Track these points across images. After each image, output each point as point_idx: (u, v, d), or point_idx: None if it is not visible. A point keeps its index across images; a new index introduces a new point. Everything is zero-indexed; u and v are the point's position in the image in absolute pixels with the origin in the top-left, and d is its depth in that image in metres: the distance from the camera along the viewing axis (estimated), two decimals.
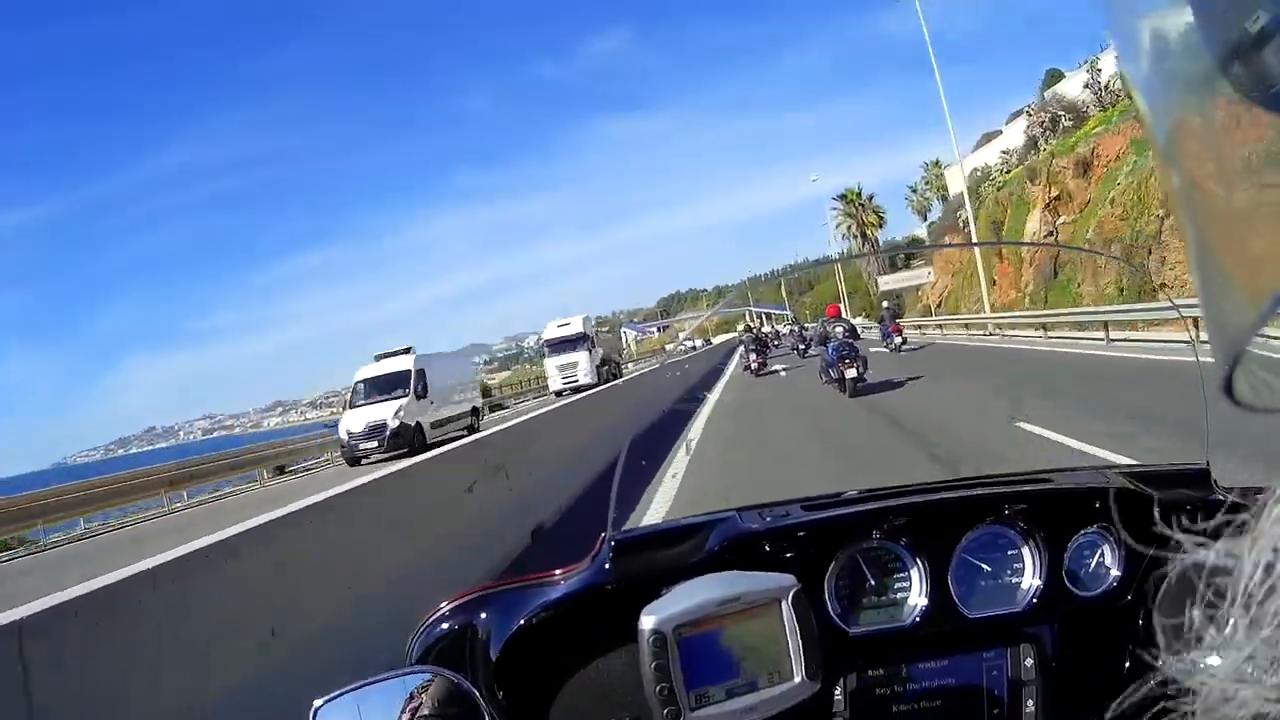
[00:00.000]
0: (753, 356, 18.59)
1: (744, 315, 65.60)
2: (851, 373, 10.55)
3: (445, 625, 0.86)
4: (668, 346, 60.15)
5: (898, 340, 17.26)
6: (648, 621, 0.74)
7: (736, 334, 30.24)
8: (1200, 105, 0.30)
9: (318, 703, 0.70)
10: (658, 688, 0.73)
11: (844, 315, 13.35)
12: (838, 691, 0.86)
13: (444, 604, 0.88)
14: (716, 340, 43.28)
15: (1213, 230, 0.31)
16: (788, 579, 0.78)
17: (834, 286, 56.56)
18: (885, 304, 19.70)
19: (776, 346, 27.69)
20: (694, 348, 24.06)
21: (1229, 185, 0.30)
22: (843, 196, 46.44)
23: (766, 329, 40.93)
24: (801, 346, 22.81)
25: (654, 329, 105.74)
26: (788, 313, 58.22)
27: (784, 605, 0.76)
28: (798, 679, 0.76)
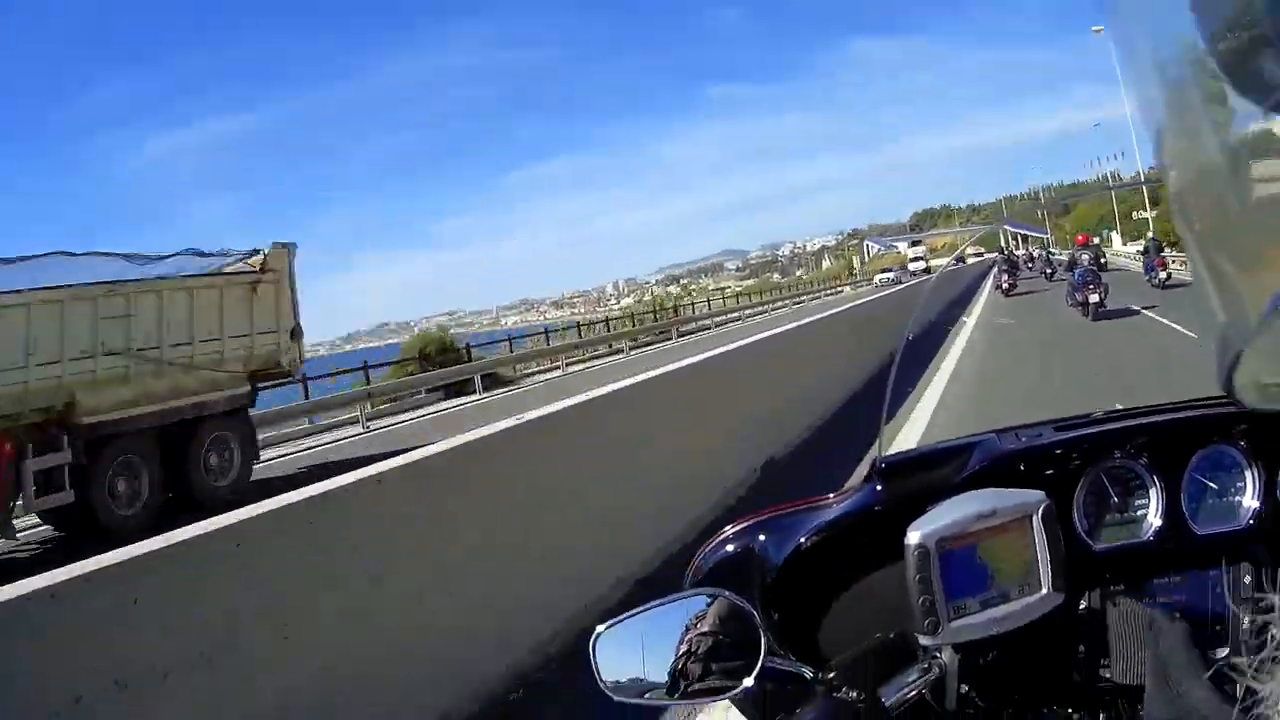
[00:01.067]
0: (1005, 277, 20.15)
1: (999, 235, 61.24)
2: (1094, 298, 12.11)
3: (727, 549, 0.91)
4: (878, 277, 52.99)
5: (1162, 275, 15.90)
6: (913, 536, 0.77)
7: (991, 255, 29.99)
8: (1200, 108, 0.30)
9: (600, 628, 0.74)
10: (920, 599, 0.76)
11: (1095, 243, 15.03)
12: (1083, 604, 0.88)
13: (727, 528, 0.92)
14: (971, 261, 41.97)
15: (1212, 232, 0.31)
16: (1038, 495, 0.81)
17: (1096, 209, 51.32)
18: (1151, 234, 18.03)
19: (1030, 268, 28.41)
20: (925, 269, 24.27)
21: (1228, 187, 0.30)
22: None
23: (1020, 251, 40.77)
24: (1049, 271, 23.38)
25: (899, 245, 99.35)
26: (1046, 235, 55.03)
27: (1034, 520, 0.79)
28: (1044, 590, 0.78)
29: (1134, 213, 45.65)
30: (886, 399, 1.04)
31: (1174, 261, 16.45)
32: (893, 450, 0.96)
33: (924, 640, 0.78)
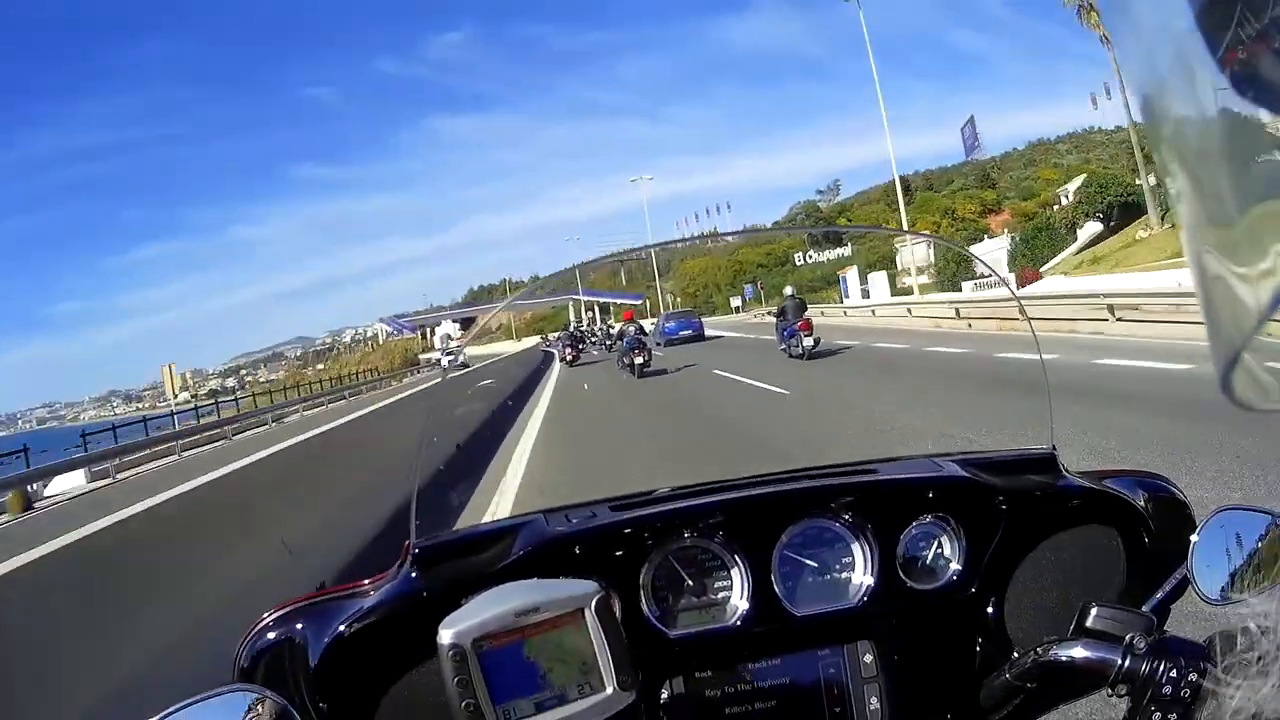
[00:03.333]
0: (568, 351, 23.29)
1: (569, 306, 61.43)
2: (640, 359, 15.67)
3: (269, 637, 0.83)
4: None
5: (807, 342, 13.54)
6: (445, 635, 0.70)
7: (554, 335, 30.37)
8: (1200, 108, 0.30)
9: None
10: (463, 704, 0.69)
11: (637, 321, 18.26)
12: (665, 694, 0.83)
13: (266, 615, 0.85)
14: (523, 344, 39.91)
15: (1211, 232, 0.31)
16: (590, 585, 0.74)
17: (702, 264, 57.93)
18: (790, 292, 15.04)
19: (594, 341, 31.27)
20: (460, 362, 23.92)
21: (1228, 187, 0.30)
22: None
23: (598, 326, 42.63)
24: (608, 343, 27.03)
25: (409, 328, 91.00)
26: (636, 301, 52.87)
27: (587, 614, 0.73)
28: (609, 690, 0.72)
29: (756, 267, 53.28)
30: (415, 475, 0.94)
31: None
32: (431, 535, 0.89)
33: None
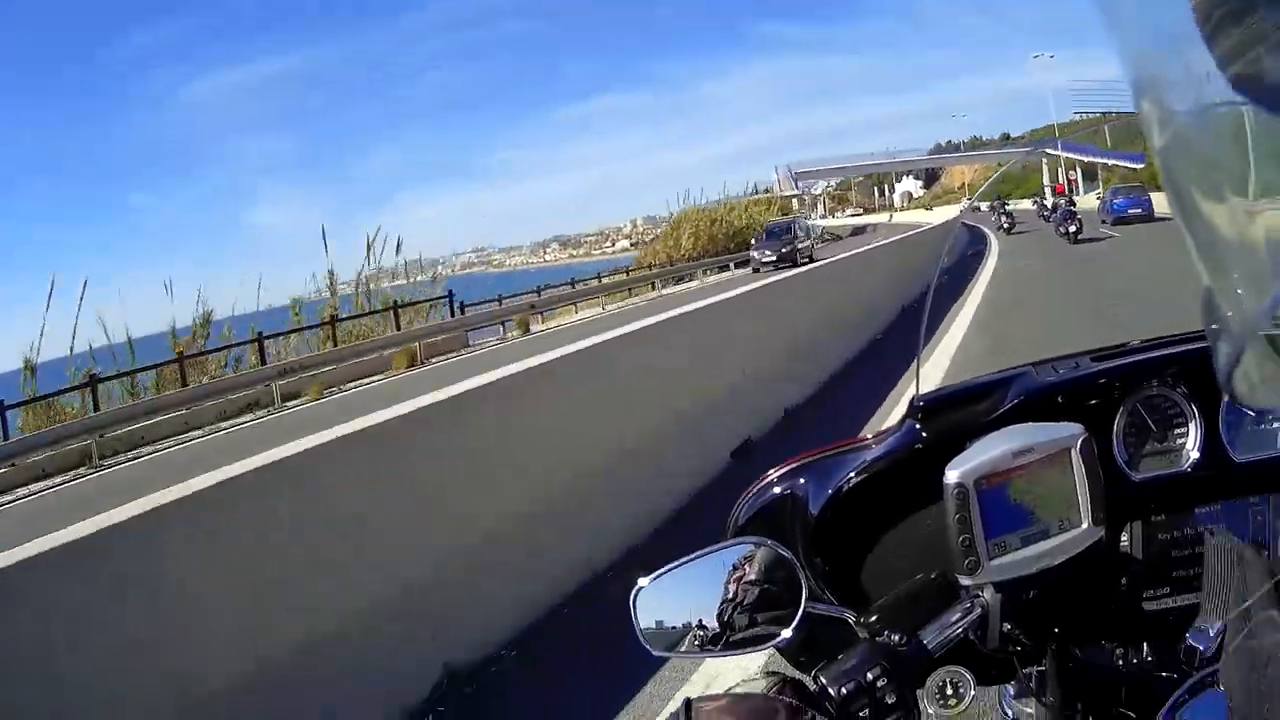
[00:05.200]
0: (1004, 219, 25.70)
1: (1043, 167, 52.56)
2: (1073, 227, 19.09)
3: (768, 495, 0.90)
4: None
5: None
6: (951, 476, 0.76)
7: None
8: (1200, 107, 0.30)
9: (642, 581, 0.73)
10: (960, 539, 0.75)
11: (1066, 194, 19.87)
12: (1124, 537, 0.86)
13: (770, 473, 0.91)
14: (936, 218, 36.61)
15: (1214, 231, 0.31)
16: (1076, 428, 0.79)
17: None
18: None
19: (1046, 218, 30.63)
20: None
21: (1229, 186, 0.30)
22: None
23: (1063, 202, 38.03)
24: (1045, 214, 28.46)
25: (902, 183, 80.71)
26: (1136, 164, 42.01)
27: (1073, 454, 0.77)
28: (1085, 525, 0.77)
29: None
30: (922, 334, 1.04)
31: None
32: (931, 387, 0.95)
33: (964, 580, 0.77)
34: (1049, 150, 52.35)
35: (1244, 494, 0.87)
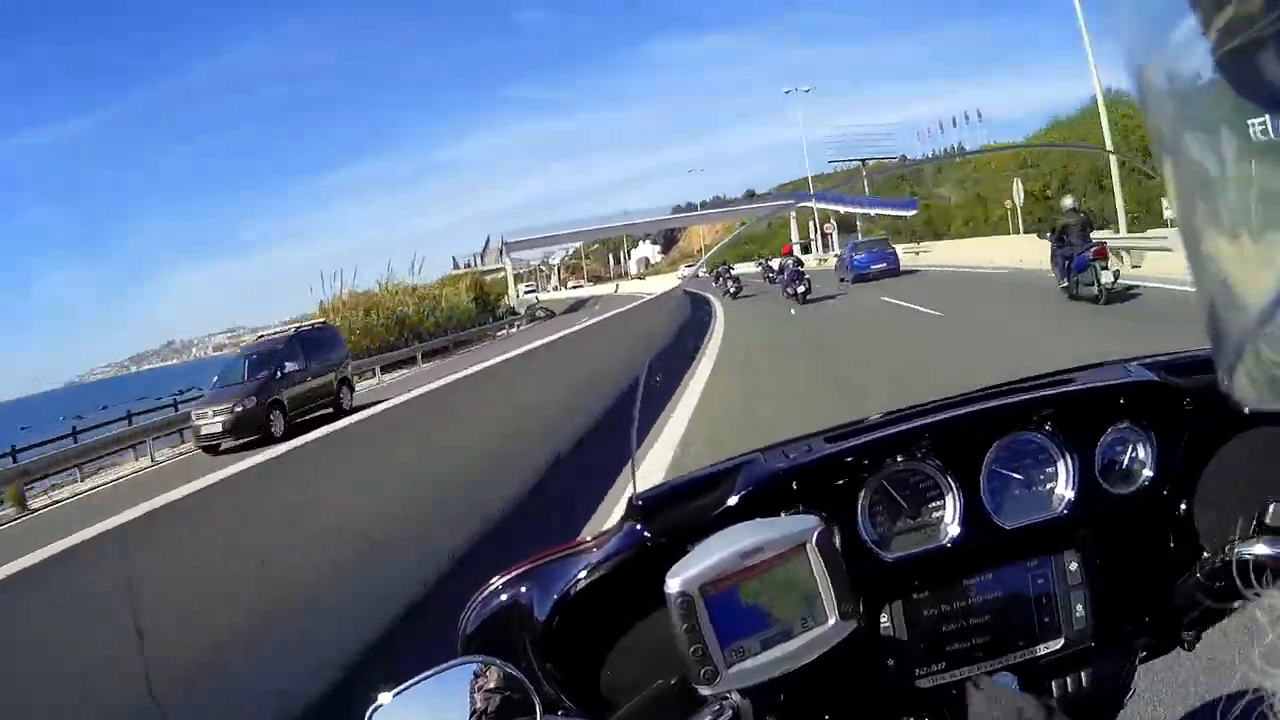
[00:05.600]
0: (730, 284, 25.36)
1: (791, 222, 51.05)
2: (801, 287, 18.57)
3: (494, 604, 0.86)
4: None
5: (1106, 278, 10.28)
6: (673, 585, 0.71)
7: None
8: (1200, 107, 0.30)
9: (383, 698, 0.70)
10: (692, 649, 0.71)
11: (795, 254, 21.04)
12: (885, 619, 0.83)
13: (494, 579, 0.87)
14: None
15: (1213, 230, 0.31)
16: (810, 520, 0.75)
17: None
18: (1071, 204, 11.39)
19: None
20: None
21: (1229, 186, 0.30)
22: None
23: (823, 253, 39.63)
24: (770, 275, 27.13)
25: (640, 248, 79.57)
26: (906, 212, 43.75)
27: (809, 547, 0.74)
28: (831, 621, 0.73)
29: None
30: (634, 429, 0.99)
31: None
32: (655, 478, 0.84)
33: (703, 690, 0.72)
34: (805, 202, 49.71)
35: (1018, 559, 0.86)
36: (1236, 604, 0.78)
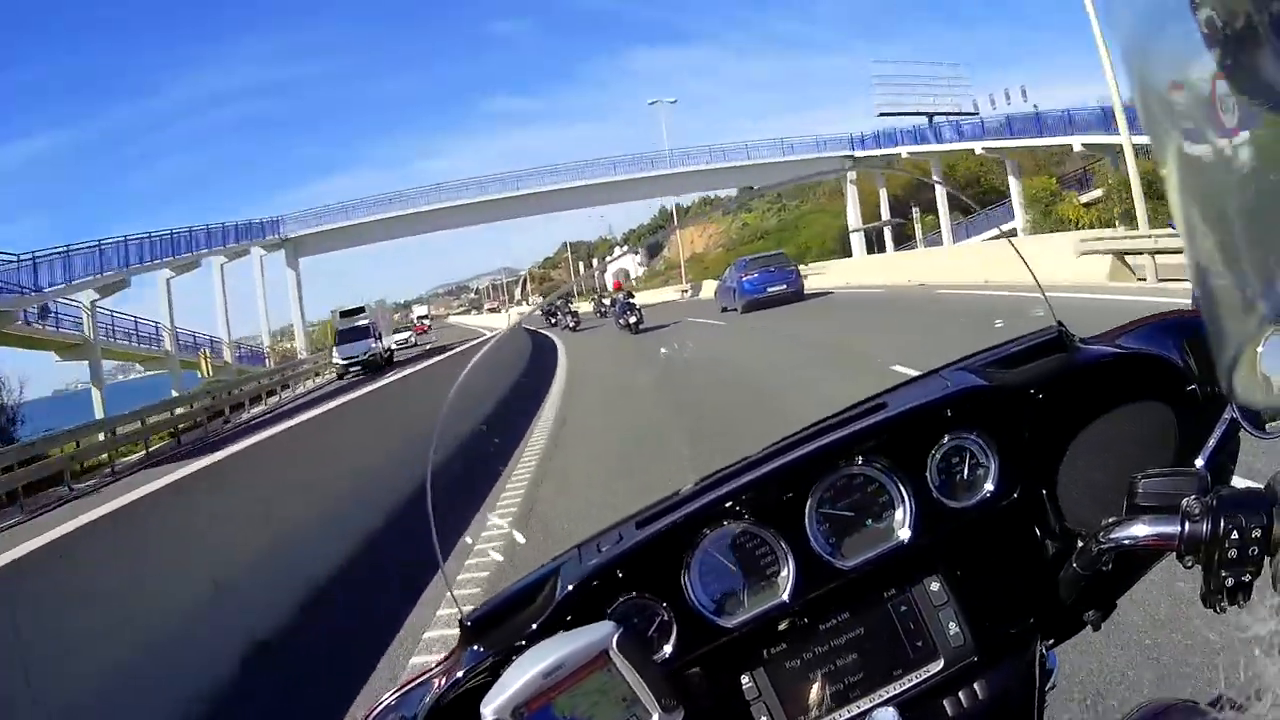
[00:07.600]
0: (569, 318, 26.31)
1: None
2: (633, 318, 19.42)
3: None
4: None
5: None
6: (487, 714, 0.72)
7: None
8: (1201, 109, 0.30)
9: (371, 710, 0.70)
10: None
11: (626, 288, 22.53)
12: (747, 681, 0.82)
13: (368, 712, 0.86)
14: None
15: (1213, 233, 0.31)
16: (605, 628, 0.75)
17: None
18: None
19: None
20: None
21: (1229, 189, 0.30)
22: None
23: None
24: (603, 310, 28.28)
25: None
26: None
27: (612, 654, 0.74)
28: (655, 717, 0.74)
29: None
30: (434, 538, 0.91)
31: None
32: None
33: None
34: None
35: (872, 592, 0.84)
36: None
